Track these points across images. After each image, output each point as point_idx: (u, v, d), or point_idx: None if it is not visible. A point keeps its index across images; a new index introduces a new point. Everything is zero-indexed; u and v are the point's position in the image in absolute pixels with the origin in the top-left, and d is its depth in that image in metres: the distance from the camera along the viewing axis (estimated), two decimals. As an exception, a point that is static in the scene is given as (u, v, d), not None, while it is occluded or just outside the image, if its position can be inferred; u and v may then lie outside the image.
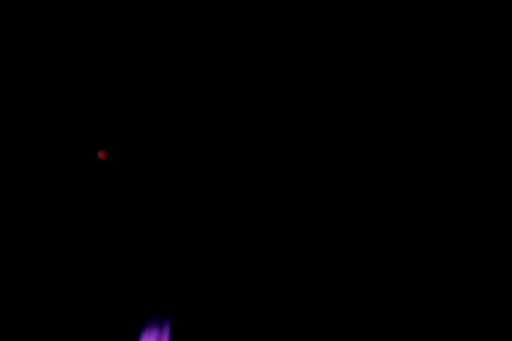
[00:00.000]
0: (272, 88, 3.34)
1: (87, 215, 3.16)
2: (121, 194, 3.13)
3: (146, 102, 3.15)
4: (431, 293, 3.23)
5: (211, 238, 3.16)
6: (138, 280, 3.12)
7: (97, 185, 3.12)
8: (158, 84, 3.29)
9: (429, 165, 3.31)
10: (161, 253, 3.14)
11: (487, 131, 3.29)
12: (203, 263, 3.14)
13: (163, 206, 3.14)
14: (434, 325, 3.21)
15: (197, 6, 3.35)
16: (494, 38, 3.30)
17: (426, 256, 3.26)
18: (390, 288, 3.23)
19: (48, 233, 3.19)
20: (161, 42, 3.34)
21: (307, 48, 3.34)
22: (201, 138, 3.14)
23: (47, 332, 3.14)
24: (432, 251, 3.26)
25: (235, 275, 3.18)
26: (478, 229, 3.24)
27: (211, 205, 3.16)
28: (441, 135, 3.31)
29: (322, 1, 3.33)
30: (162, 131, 3.13)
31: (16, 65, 3.31)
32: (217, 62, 3.34)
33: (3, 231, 3.21)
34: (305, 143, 3.27)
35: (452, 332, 3.19)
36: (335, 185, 3.24)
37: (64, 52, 3.32)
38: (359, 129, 3.31)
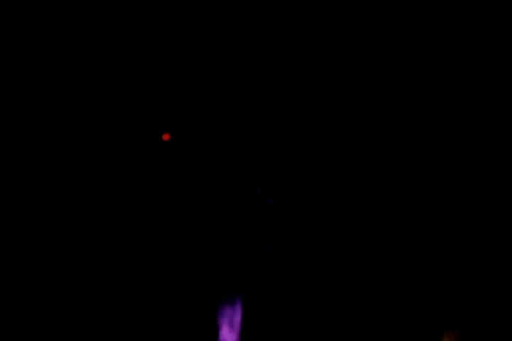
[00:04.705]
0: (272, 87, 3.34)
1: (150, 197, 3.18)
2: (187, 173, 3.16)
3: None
4: (429, 293, 3.24)
5: (279, 216, 3.15)
6: (208, 261, 3.12)
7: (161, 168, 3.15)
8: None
9: (429, 165, 3.31)
10: (232, 233, 3.14)
11: (487, 131, 3.29)
12: (273, 240, 3.13)
13: (231, 185, 3.15)
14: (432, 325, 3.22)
15: (197, 7, 3.35)
16: (494, 38, 3.29)
17: (424, 256, 3.26)
18: (388, 287, 3.24)
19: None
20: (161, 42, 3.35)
21: (307, 49, 3.34)
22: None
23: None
24: (430, 250, 3.27)
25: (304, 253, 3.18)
26: (478, 229, 3.25)
27: (277, 183, 3.16)
28: (440, 135, 3.31)
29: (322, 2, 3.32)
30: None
31: (17, 65, 3.32)
32: (217, 62, 3.34)
33: (4, 230, 3.22)
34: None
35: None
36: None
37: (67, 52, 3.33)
38: (358, 130, 3.31)
